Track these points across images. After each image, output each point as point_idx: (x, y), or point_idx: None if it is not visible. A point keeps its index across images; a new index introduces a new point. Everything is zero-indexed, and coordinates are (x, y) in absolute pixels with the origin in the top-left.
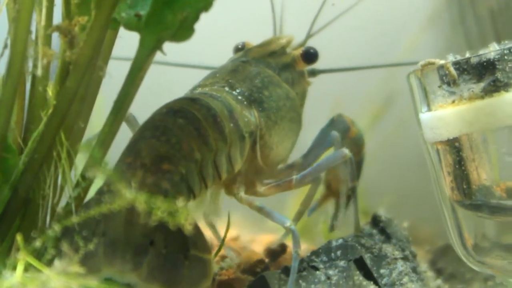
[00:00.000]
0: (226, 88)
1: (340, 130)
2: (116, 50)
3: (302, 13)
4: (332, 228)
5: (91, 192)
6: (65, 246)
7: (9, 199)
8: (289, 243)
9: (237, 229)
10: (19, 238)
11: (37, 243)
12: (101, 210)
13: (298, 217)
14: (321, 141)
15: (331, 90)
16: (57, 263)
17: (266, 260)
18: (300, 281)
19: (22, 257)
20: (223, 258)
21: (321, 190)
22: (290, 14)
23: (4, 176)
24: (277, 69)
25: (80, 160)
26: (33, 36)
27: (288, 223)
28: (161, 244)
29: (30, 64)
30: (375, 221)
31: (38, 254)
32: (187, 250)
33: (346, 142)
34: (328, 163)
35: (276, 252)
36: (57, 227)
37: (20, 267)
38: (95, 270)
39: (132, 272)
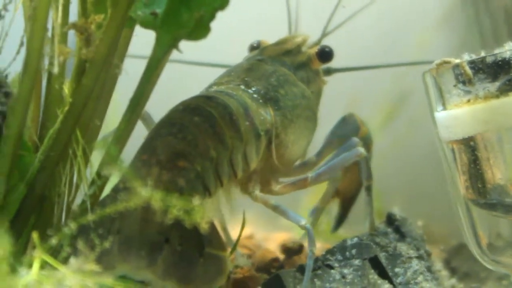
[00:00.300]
0: (242, 87)
1: (351, 129)
2: (132, 48)
3: (317, 12)
4: (335, 228)
5: (107, 190)
6: (80, 244)
7: (25, 196)
8: (304, 241)
9: (252, 227)
10: (35, 235)
11: (53, 241)
12: (116, 208)
13: (316, 216)
14: (339, 143)
15: (346, 89)
16: (72, 261)
17: (281, 258)
18: (315, 280)
19: (38, 255)
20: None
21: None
22: (305, 13)
23: (20, 174)
24: (292, 68)
25: (96, 158)
26: (49, 34)
27: (303, 222)
28: (176, 241)
29: (46, 61)
30: (390, 220)
31: (54, 252)
32: (202, 247)
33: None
34: (343, 161)
35: (292, 250)
36: (72, 225)
37: (36, 265)
38: (110, 267)
39: (147, 269)
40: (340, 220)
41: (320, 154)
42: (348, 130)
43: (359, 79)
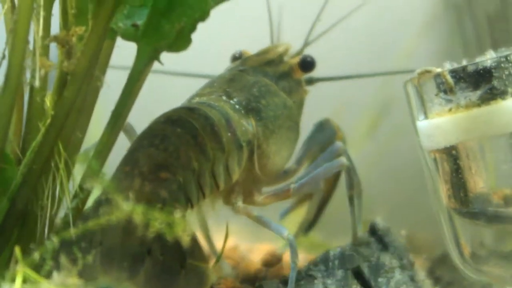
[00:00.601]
0: (224, 98)
1: (329, 135)
2: (114, 60)
3: (299, 21)
4: (306, 231)
5: (90, 202)
6: (63, 258)
7: (7, 210)
8: (287, 252)
9: (235, 238)
10: (17, 250)
11: (36, 255)
12: (98, 222)
13: (302, 228)
14: (321, 148)
15: (330, 97)
16: (55, 275)
17: (264, 269)
18: None
19: (21, 269)
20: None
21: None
22: (287, 22)
23: (2, 187)
24: (274, 78)
25: (78, 171)
26: (31, 47)
27: (286, 233)
28: (158, 253)
29: (28, 74)
30: (373, 230)
31: (37, 266)
32: (184, 259)
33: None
34: (326, 171)
35: (270, 262)
36: (55, 239)
37: (18, 279)
38: (92, 279)
39: (129, 281)
40: (312, 222)
41: (300, 161)
42: (325, 135)
43: (344, 87)
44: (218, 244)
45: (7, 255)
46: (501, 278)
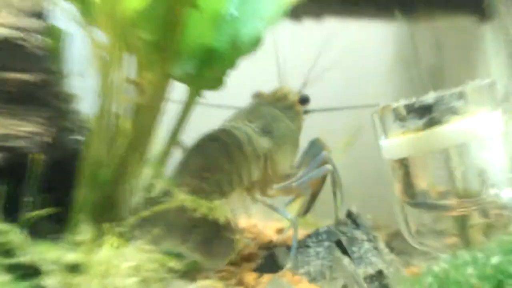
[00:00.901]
0: (247, 123)
1: (318, 148)
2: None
3: (299, 70)
4: (303, 214)
5: (155, 193)
6: (138, 231)
7: (100, 198)
8: (290, 229)
9: (254, 219)
10: (107, 226)
11: (120, 229)
12: (162, 206)
13: (300, 212)
14: (313, 157)
15: (320, 123)
16: (133, 242)
17: (275, 240)
18: (298, 255)
19: (110, 238)
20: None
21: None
22: (290, 71)
23: (96, 183)
24: (281, 109)
25: (148, 172)
26: (115, 86)
27: (289, 216)
28: (202, 227)
29: (113, 106)
30: (349, 214)
31: (121, 237)
32: (219, 231)
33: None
34: (317, 174)
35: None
36: (133, 218)
37: (108, 246)
38: (158, 244)
39: (182, 246)
40: (307, 209)
41: (299, 166)
42: (316, 149)
43: (329, 116)
44: (242, 221)
45: (100, 229)
46: (436, 247)
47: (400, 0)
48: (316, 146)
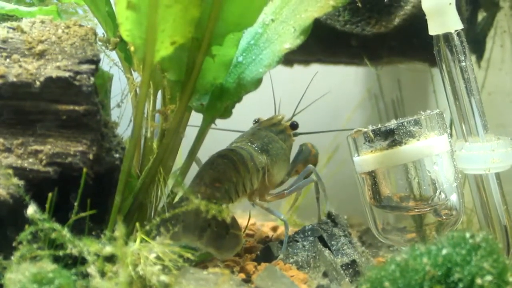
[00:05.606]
0: (249, 143)
1: (307, 153)
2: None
3: (291, 102)
4: (288, 211)
5: (176, 199)
6: (162, 229)
7: (132, 203)
8: (283, 227)
9: (254, 219)
10: (137, 225)
11: (147, 228)
12: (181, 209)
13: (289, 210)
14: (303, 161)
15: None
16: (158, 238)
17: (271, 235)
18: (289, 248)
19: (139, 235)
20: (248, 235)
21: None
22: (283, 103)
23: (129, 191)
24: (276, 133)
25: (170, 183)
26: (145, 115)
27: (282, 216)
28: (214, 226)
29: (144, 130)
30: (329, 215)
31: (148, 234)
32: (228, 229)
33: (311, 157)
34: (305, 183)
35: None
36: (158, 218)
37: (137, 241)
38: (177, 240)
39: (197, 241)
40: (290, 208)
41: (289, 174)
42: (305, 155)
43: (315, 137)
44: (245, 221)
45: (132, 228)
46: (398, 242)
47: (368, 49)
48: (303, 152)
